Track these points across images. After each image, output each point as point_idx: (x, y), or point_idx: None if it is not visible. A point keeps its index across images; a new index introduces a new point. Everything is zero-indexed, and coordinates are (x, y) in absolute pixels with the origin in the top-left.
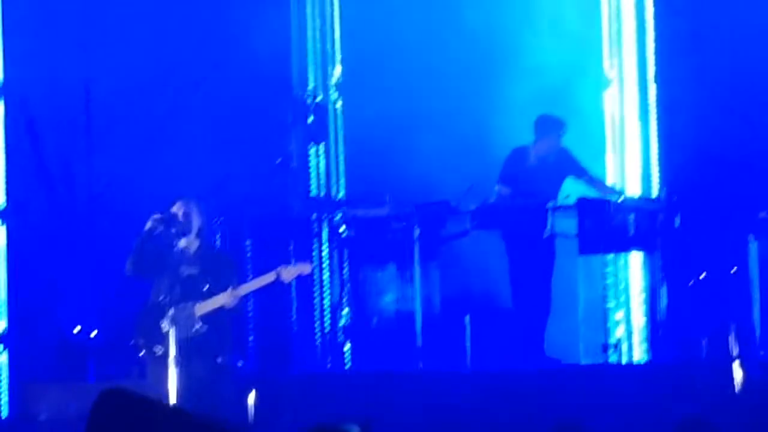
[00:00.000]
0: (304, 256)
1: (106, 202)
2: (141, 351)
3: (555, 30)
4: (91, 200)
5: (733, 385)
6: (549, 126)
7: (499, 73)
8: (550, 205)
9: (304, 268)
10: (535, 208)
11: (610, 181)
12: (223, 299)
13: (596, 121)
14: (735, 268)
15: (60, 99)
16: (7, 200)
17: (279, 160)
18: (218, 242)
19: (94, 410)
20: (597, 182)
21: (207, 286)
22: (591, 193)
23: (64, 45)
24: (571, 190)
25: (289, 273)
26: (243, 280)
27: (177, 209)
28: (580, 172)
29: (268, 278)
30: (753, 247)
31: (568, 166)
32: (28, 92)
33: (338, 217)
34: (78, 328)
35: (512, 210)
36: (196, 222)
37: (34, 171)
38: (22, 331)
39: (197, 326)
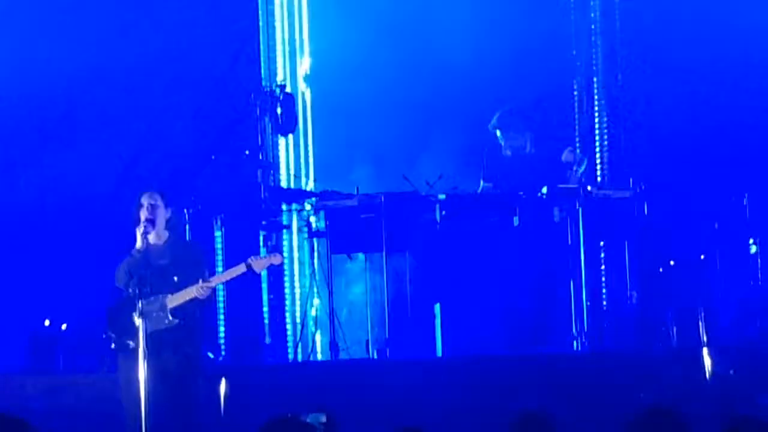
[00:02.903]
0: (274, 247)
1: (76, 194)
2: (112, 344)
3: (524, 17)
4: (60, 192)
5: (702, 373)
6: (515, 119)
7: (467, 62)
8: (521, 193)
9: (275, 259)
10: (506, 198)
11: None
12: (194, 291)
13: (566, 110)
14: (702, 255)
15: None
16: None
17: (247, 152)
18: (188, 234)
19: None
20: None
21: (177, 277)
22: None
23: (20, 39)
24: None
25: (259, 264)
26: (213, 271)
27: (144, 201)
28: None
29: (239, 269)
30: (720, 235)
31: (545, 152)
32: None
33: (308, 208)
34: (47, 321)
35: (483, 199)
36: (162, 214)
37: None
38: None
39: (168, 319)
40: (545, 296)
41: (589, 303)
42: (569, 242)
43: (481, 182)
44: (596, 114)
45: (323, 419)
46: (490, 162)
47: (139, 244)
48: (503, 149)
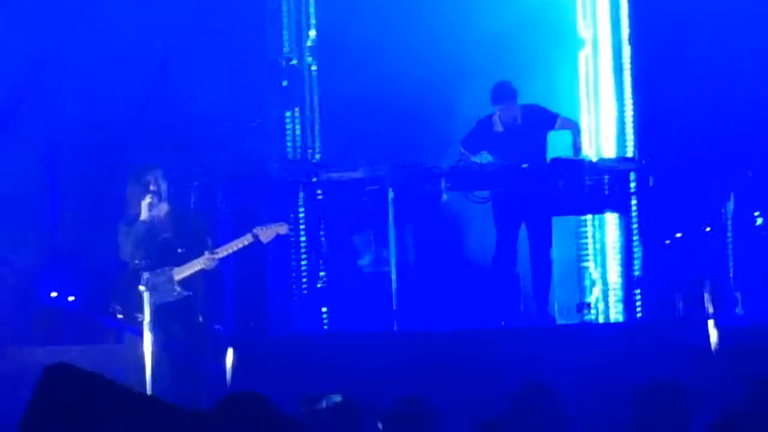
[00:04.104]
0: (281, 218)
1: (83, 168)
2: (118, 316)
3: None
4: (66, 166)
5: (708, 344)
6: (499, 94)
7: (473, 35)
8: (524, 165)
9: (281, 228)
10: (510, 170)
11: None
12: (201, 262)
13: (571, 83)
14: (709, 227)
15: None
16: None
17: (255, 123)
18: (192, 206)
19: (40, 385)
20: (564, 120)
21: (181, 249)
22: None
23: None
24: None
25: (266, 233)
26: (218, 242)
27: (148, 175)
28: (552, 121)
29: (246, 240)
30: (727, 206)
31: (541, 121)
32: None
33: (314, 180)
34: (55, 293)
35: (487, 172)
36: (162, 187)
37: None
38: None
39: (176, 290)
40: (551, 268)
41: (595, 275)
42: (574, 214)
43: (471, 157)
44: (600, 85)
45: (338, 399)
46: (480, 137)
47: (144, 215)
48: (495, 125)
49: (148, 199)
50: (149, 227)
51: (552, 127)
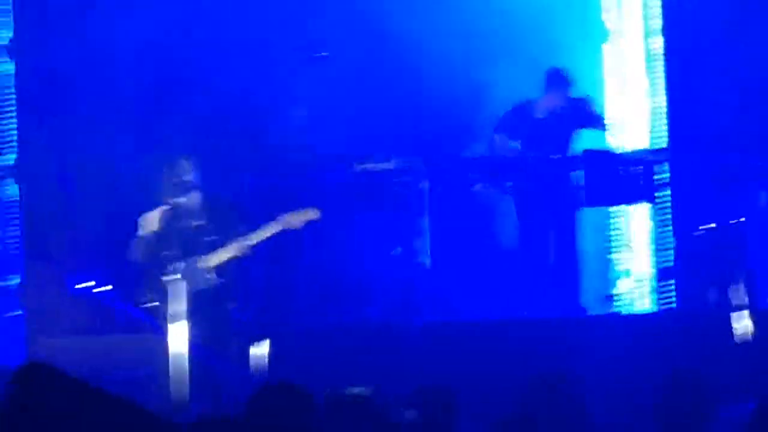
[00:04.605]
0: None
1: (116, 158)
2: (153, 305)
3: None
4: (101, 157)
5: (741, 335)
6: (556, 81)
7: (500, 27)
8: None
9: (310, 214)
10: (543, 160)
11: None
12: (233, 249)
13: (597, 74)
14: (742, 218)
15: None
16: (19, 157)
17: (287, 114)
18: (224, 195)
19: (16, 385)
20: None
21: (214, 236)
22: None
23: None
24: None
25: (296, 220)
26: (249, 229)
27: (182, 165)
28: (597, 122)
29: (277, 226)
30: (761, 197)
31: (583, 117)
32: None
33: (346, 171)
34: (91, 282)
35: (521, 162)
36: (195, 176)
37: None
38: (36, 286)
39: (208, 278)
40: (582, 259)
41: (626, 266)
42: (608, 205)
43: (496, 136)
44: (628, 76)
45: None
46: (516, 121)
47: (177, 204)
48: (536, 111)
49: (180, 190)
50: (180, 215)
51: (592, 125)
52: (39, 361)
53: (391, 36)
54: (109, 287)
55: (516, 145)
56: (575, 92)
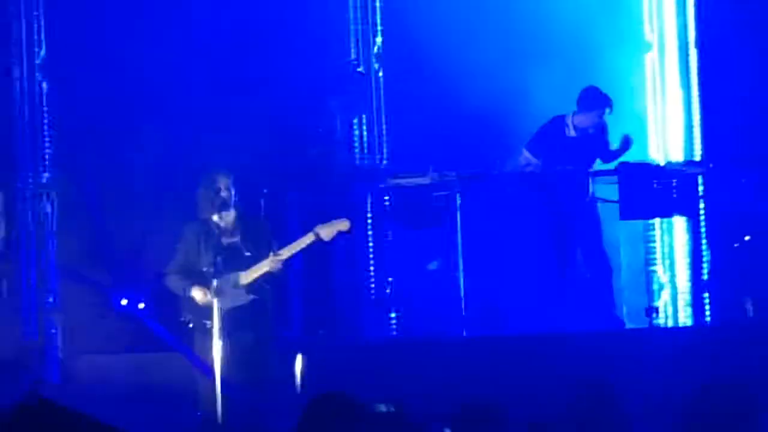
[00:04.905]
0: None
1: (154, 172)
2: (190, 326)
3: None
4: (137, 171)
5: None
6: (596, 100)
7: (537, 39)
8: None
9: (342, 225)
10: (575, 175)
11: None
12: (266, 265)
13: (637, 86)
14: None
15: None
16: (53, 171)
17: (321, 130)
18: (261, 212)
19: (15, 418)
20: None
21: (248, 253)
22: None
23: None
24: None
25: (327, 231)
26: (283, 246)
27: (219, 182)
28: (608, 156)
29: (308, 239)
30: None
31: (601, 144)
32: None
33: (381, 186)
34: (125, 300)
35: (553, 176)
36: (231, 193)
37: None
38: (72, 303)
39: (244, 295)
40: (617, 272)
41: (664, 279)
42: (643, 219)
43: (524, 151)
44: (666, 88)
45: (391, 408)
46: (550, 136)
47: (214, 221)
48: (568, 130)
49: (217, 207)
50: (215, 233)
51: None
52: (40, 400)
53: (429, 51)
54: (143, 305)
55: (537, 162)
56: (609, 113)
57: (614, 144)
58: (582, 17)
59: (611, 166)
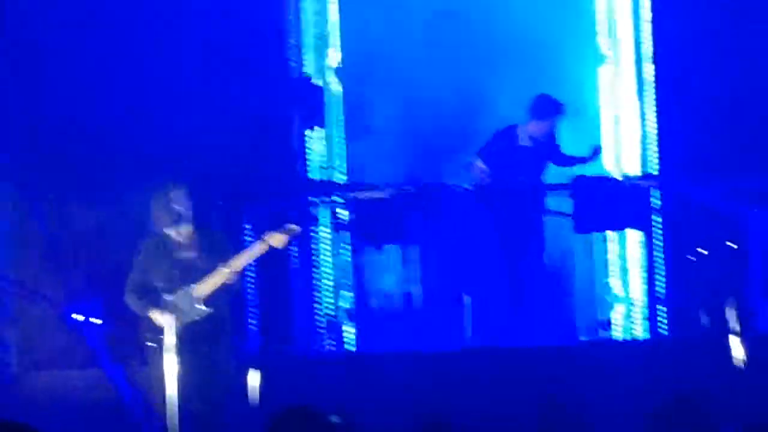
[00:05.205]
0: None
1: (104, 185)
2: (149, 343)
3: (549, 5)
4: (88, 182)
5: (733, 361)
6: (548, 107)
7: (497, 51)
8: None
9: (292, 230)
10: (529, 187)
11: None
12: (220, 276)
13: (592, 99)
14: (733, 243)
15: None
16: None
17: (275, 143)
18: (216, 226)
19: None
20: (567, 157)
21: (206, 268)
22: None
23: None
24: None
25: (277, 238)
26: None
27: (172, 195)
28: (565, 161)
29: (260, 247)
30: (751, 223)
31: (554, 151)
32: None
33: (338, 199)
34: (81, 316)
35: (507, 189)
36: (186, 206)
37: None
38: (27, 319)
39: (200, 308)
40: (572, 285)
41: (619, 292)
42: (597, 231)
43: (476, 160)
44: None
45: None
46: (500, 146)
47: (169, 235)
48: (520, 139)
49: (172, 222)
50: (170, 248)
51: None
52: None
53: (387, 66)
54: (99, 321)
55: (490, 171)
56: (561, 121)
57: (582, 152)
58: (542, 30)
59: (572, 171)
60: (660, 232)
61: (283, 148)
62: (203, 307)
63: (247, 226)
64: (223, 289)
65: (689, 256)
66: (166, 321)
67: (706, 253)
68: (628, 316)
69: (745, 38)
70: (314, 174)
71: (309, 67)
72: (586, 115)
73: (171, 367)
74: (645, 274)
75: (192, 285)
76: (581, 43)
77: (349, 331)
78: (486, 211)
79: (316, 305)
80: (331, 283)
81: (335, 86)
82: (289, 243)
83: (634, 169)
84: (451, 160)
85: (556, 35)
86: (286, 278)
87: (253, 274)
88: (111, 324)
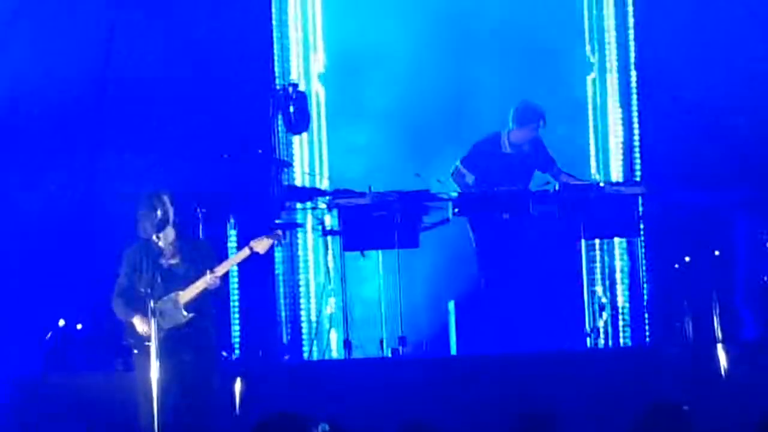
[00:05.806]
0: (288, 243)
1: (87, 194)
2: (134, 350)
3: (537, 13)
4: (70, 191)
5: (717, 368)
6: (529, 114)
7: (481, 59)
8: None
9: (275, 236)
10: (514, 194)
11: (592, 168)
12: (204, 282)
13: (580, 106)
14: (717, 251)
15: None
16: None
17: (260, 150)
18: (200, 234)
19: None
20: (565, 175)
21: (189, 275)
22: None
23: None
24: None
25: (262, 244)
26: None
27: (155, 202)
28: (549, 165)
29: (243, 254)
30: (735, 231)
31: (540, 157)
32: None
33: (321, 206)
34: (62, 321)
35: (491, 196)
36: (170, 214)
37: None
38: (8, 326)
39: (183, 314)
40: (558, 293)
41: (604, 299)
42: (581, 238)
43: (461, 168)
44: (608, 109)
45: (327, 428)
46: (484, 153)
47: (154, 242)
48: (503, 146)
49: (155, 228)
50: (154, 254)
51: (546, 170)
52: None
53: (371, 73)
54: (80, 326)
55: (472, 179)
56: (543, 126)
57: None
58: (526, 38)
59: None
60: (644, 239)
61: (267, 153)
62: (186, 313)
63: (232, 232)
64: (207, 295)
65: (674, 264)
66: (150, 326)
67: (689, 260)
68: (612, 323)
69: (730, 47)
70: (299, 180)
71: (294, 73)
72: (576, 122)
73: (155, 372)
74: (629, 282)
75: (176, 291)
76: (572, 51)
77: (333, 338)
78: (471, 217)
79: (300, 311)
80: (314, 290)
81: (320, 91)
82: (272, 248)
83: (619, 177)
84: (436, 165)
85: (547, 44)
86: (270, 284)
87: (236, 281)
88: (94, 329)
